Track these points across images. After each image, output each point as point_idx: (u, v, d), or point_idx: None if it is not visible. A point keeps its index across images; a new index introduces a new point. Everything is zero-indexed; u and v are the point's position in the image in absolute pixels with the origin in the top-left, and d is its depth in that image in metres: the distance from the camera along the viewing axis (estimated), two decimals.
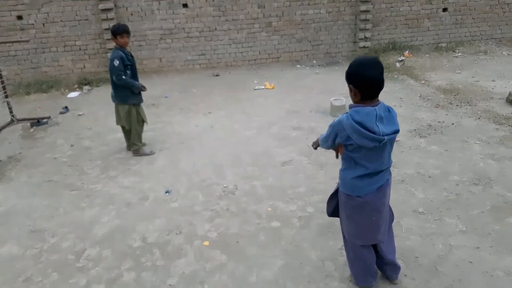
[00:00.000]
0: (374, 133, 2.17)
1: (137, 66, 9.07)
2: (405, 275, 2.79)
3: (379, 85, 2.22)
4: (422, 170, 4.24)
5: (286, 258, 3.06)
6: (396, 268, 2.68)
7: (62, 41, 8.66)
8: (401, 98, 6.66)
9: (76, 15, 8.55)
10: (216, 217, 3.65)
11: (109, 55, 8.63)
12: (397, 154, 4.65)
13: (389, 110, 2.29)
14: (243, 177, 4.33)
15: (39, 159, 5.14)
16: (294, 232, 3.35)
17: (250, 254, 3.13)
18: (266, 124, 5.87)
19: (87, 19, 8.63)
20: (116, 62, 4.73)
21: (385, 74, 6.95)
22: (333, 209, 2.69)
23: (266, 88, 7.78)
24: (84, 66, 8.90)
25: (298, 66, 9.44)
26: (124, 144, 5.36)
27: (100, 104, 7.30)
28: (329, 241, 3.22)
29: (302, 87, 7.70)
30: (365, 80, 2.19)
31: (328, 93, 7.25)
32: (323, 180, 4.16)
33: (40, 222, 3.75)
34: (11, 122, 6.56)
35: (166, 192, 4.14)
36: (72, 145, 5.52)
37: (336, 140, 2.34)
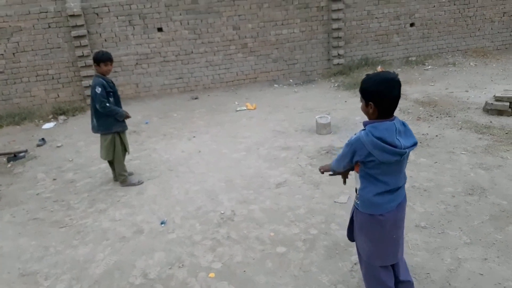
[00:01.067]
0: (395, 147, 2.18)
1: None
2: None
3: (397, 103, 2.26)
4: (416, 183, 4.30)
5: (297, 285, 2.99)
6: (410, 285, 2.60)
7: (34, 71, 8.40)
8: None
9: (48, 43, 8.33)
10: (217, 246, 3.54)
11: (84, 82, 8.44)
12: None
13: (404, 124, 2.31)
14: (240, 202, 4.25)
15: (21, 195, 4.88)
16: (301, 257, 3.29)
17: (260, 283, 3.04)
18: (253, 145, 5.84)
19: (60, 47, 8.42)
20: (99, 89, 4.59)
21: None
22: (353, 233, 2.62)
23: (248, 109, 7.77)
24: (58, 95, 8.64)
25: (275, 85, 9.52)
26: (110, 175, 5.18)
27: (78, 134, 7.07)
28: (338, 263, 3.18)
29: (283, 106, 7.75)
30: (387, 98, 2.20)
31: (309, 111, 7.33)
32: (320, 200, 4.14)
33: (31, 264, 3.53)
34: None
35: (161, 223, 4.00)
36: (54, 179, 5.28)
37: (354, 158, 2.31)
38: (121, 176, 4.90)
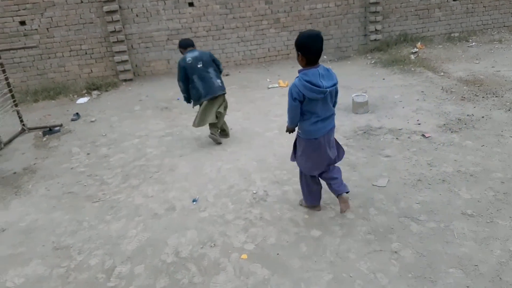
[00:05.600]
0: (319, 87, 2.88)
1: (145, 69, 8.94)
2: (467, 287, 2.59)
3: (320, 53, 2.91)
4: (462, 168, 4.04)
5: (334, 271, 2.86)
6: (339, 181, 3.32)
7: (67, 46, 8.45)
8: (422, 91, 6.44)
9: (81, 18, 8.33)
10: (250, 226, 3.45)
11: (116, 58, 8.40)
12: (431, 151, 4.45)
13: (328, 70, 2.99)
14: (273, 182, 4.12)
15: (56, 169, 4.95)
16: (337, 242, 3.14)
17: (294, 268, 2.93)
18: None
19: (92, 22, 8.41)
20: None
21: (400, 67, 6.72)
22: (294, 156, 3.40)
23: (280, 86, 7.56)
24: (91, 70, 8.69)
25: None
26: (142, 150, 5.19)
27: (111, 109, 7.10)
28: (377, 250, 3.02)
29: None
30: (311, 49, 2.87)
31: (344, 88, 7.03)
32: (358, 183, 3.96)
33: (64, 238, 3.56)
34: (22, 131, 6.36)
35: (193, 201, 3.94)
36: (88, 154, 5.32)
37: (297, 101, 2.96)
38: (224, 131, 5.33)
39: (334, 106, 3.17)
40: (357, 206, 3.56)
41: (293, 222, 3.43)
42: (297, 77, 2.96)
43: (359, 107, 5.74)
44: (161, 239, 3.40)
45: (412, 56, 8.69)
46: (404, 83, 7.00)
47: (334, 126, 3.20)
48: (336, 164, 3.41)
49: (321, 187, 3.44)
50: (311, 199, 3.48)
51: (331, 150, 3.24)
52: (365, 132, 5.11)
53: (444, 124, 5.10)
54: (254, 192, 3.97)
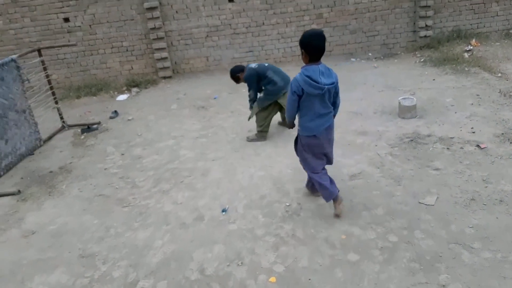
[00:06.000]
0: (318, 83, 3.01)
1: (184, 66, 8.87)
2: None
3: (322, 51, 3.03)
4: None
5: None
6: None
7: (109, 43, 8.53)
8: (478, 95, 5.88)
9: (122, 15, 8.37)
10: (281, 244, 3.21)
11: (156, 55, 8.41)
12: (486, 164, 3.99)
13: (329, 69, 3.15)
14: (307, 194, 3.85)
15: (90, 169, 4.93)
16: (377, 269, 2.83)
17: None
18: None
19: (133, 19, 8.42)
20: None
21: (452, 66, 6.14)
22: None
23: None
24: (132, 67, 8.73)
25: (352, 59, 8.78)
26: (176, 152, 5.11)
27: (149, 107, 7.07)
28: (422, 282, 2.69)
29: (360, 83, 7.07)
30: (315, 47, 3.00)
31: (391, 89, 6.60)
32: (402, 199, 3.60)
33: (91, 245, 3.49)
34: (62, 128, 6.46)
35: (222, 211, 3.75)
36: (122, 154, 5.28)
37: (297, 95, 3.11)
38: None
39: (334, 107, 3.31)
40: (400, 227, 3.22)
41: (328, 243, 3.15)
42: (299, 73, 3.12)
43: (406, 111, 5.31)
44: (186, 253, 3.24)
45: (466, 55, 8.02)
46: (456, 85, 6.44)
47: (332, 124, 3.33)
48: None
49: (329, 178, 3.47)
50: (329, 192, 3.39)
51: (330, 149, 3.41)
52: (412, 140, 4.69)
53: (502, 134, 4.58)
54: (287, 204, 3.72)
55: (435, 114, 5.37)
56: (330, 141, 3.37)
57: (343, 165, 4.30)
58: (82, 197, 4.32)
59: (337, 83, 3.15)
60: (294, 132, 5.26)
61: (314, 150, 3.33)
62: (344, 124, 5.39)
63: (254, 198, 3.90)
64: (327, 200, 3.44)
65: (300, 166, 4.32)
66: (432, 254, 2.92)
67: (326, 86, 3.03)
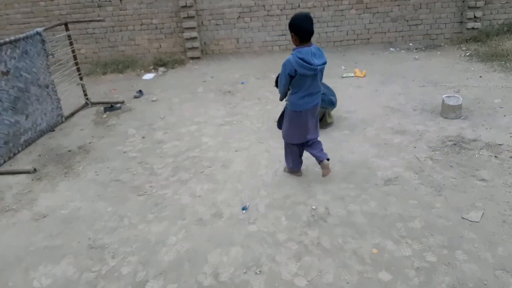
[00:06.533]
0: (311, 64, 3.15)
1: (213, 47, 8.57)
2: None
3: (311, 33, 3.15)
4: None
5: None
6: (320, 150, 3.71)
7: (138, 19, 8.30)
8: None
9: None
10: (304, 253, 2.91)
11: (185, 34, 8.12)
12: None
13: (319, 49, 3.27)
14: (336, 197, 3.51)
15: (109, 151, 4.75)
16: None
17: None
18: (359, 123, 4.96)
19: None
20: None
21: (501, 63, 5.53)
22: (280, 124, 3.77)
23: (356, 76, 6.77)
24: (160, 45, 8.50)
25: (391, 49, 8.24)
26: (198, 139, 4.85)
27: (174, 89, 6.83)
28: None
29: (399, 76, 6.58)
30: (304, 30, 3.13)
31: (432, 85, 6.10)
32: (443, 212, 3.21)
33: (102, 235, 3.29)
34: (85, 105, 6.31)
35: (243, 209, 3.47)
36: (143, 137, 5.07)
37: (289, 74, 3.25)
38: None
39: (320, 83, 3.48)
40: (440, 245, 2.86)
41: (357, 256, 2.83)
42: (292, 54, 3.24)
43: (450, 111, 4.84)
44: (201, 253, 2.99)
45: None
46: (506, 84, 5.87)
47: (319, 102, 3.53)
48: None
49: (301, 156, 3.83)
50: (293, 165, 3.84)
51: (312, 125, 3.59)
52: (455, 144, 4.25)
53: None
54: (313, 207, 3.40)
55: (482, 116, 4.88)
56: (314, 117, 3.58)
57: (378, 167, 3.93)
58: (98, 181, 4.14)
59: (326, 62, 3.32)
60: (325, 128, 4.91)
61: (297, 124, 3.53)
62: (380, 120, 4.98)
63: (277, 197, 3.60)
64: (289, 170, 3.91)
65: (330, 163, 4.01)
66: (476, 281, 2.55)
67: (318, 67, 3.20)
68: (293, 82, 3.32)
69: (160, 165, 4.37)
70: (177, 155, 4.55)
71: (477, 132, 4.48)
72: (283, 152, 4.38)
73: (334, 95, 4.88)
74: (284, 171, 3.98)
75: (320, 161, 3.67)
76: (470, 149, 4.14)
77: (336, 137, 4.64)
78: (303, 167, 3.94)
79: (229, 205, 3.55)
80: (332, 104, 4.81)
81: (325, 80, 6.66)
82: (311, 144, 3.69)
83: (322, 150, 3.70)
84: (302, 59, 3.14)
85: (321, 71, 3.33)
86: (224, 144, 4.72)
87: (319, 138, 3.74)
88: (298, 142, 3.66)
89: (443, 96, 4.96)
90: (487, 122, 4.72)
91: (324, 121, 4.79)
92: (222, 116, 5.55)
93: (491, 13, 8.32)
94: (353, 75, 6.82)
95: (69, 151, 4.85)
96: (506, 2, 8.25)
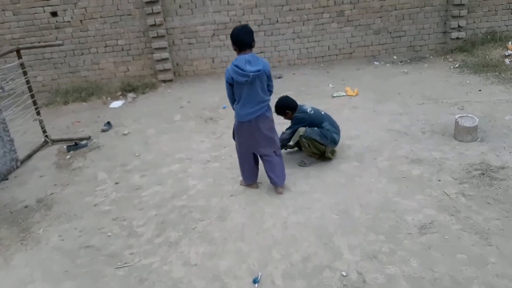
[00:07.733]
0: (243, 70, 3.29)
1: (186, 68, 7.85)
2: None
3: (247, 43, 3.34)
4: None
5: None
6: (274, 181, 3.73)
7: (102, 41, 7.47)
8: None
9: (118, 9, 7.32)
10: None
11: (155, 55, 7.36)
12: None
13: (257, 58, 3.37)
14: (367, 256, 2.87)
15: (76, 205, 3.92)
16: None
17: None
18: (366, 151, 4.37)
19: (130, 14, 7.38)
20: None
21: (496, 74, 4.80)
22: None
23: (348, 95, 6.23)
24: (128, 69, 7.68)
25: (375, 63, 7.80)
26: (184, 182, 4.09)
27: (147, 117, 6.05)
28: None
29: (394, 93, 6.10)
30: (239, 40, 3.35)
31: (432, 101, 5.63)
32: (501, 269, 2.62)
33: None
34: (45, 144, 5.42)
35: (254, 282, 2.76)
36: (116, 183, 4.27)
37: (227, 83, 3.47)
38: None
39: (269, 90, 3.57)
40: None
41: None
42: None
43: (465, 133, 4.34)
44: None
45: (507, 61, 7.07)
46: (510, 98, 5.49)
47: (263, 114, 3.50)
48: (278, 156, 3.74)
49: (257, 169, 3.83)
50: (246, 177, 3.86)
51: (262, 138, 3.58)
52: (483, 174, 3.73)
53: None
54: (343, 274, 2.73)
55: (499, 137, 4.41)
56: (265, 129, 3.55)
57: (405, 210, 3.32)
58: (64, 249, 3.30)
59: (265, 69, 3.37)
60: (326, 161, 4.26)
61: (243, 135, 3.60)
62: (388, 147, 4.42)
63: (294, 260, 2.91)
64: (244, 182, 3.90)
65: (349, 210, 3.38)
66: None
67: (251, 74, 3.25)
68: (234, 92, 3.45)
69: (141, 220, 3.59)
70: (160, 206, 3.78)
71: (502, 157, 3.99)
72: (288, 194, 3.73)
73: (338, 133, 4.21)
74: (241, 184, 3.96)
75: (275, 186, 3.75)
76: (501, 179, 3.62)
77: (346, 171, 4.02)
78: (321, 217, 3.28)
79: (236, 276, 2.83)
80: (334, 143, 4.15)
81: (315, 100, 6.12)
82: (268, 164, 3.68)
83: (281, 173, 3.72)
84: (237, 66, 3.28)
85: (259, 78, 3.36)
86: (216, 187, 4.00)
87: (278, 157, 3.71)
88: (246, 151, 3.70)
89: (456, 117, 4.46)
90: (507, 143, 4.25)
91: (327, 156, 4.17)
92: (207, 150, 4.82)
93: (474, 22, 8.07)
94: (344, 94, 6.28)
95: (26, 207, 3.97)
96: (488, 10, 8.03)
